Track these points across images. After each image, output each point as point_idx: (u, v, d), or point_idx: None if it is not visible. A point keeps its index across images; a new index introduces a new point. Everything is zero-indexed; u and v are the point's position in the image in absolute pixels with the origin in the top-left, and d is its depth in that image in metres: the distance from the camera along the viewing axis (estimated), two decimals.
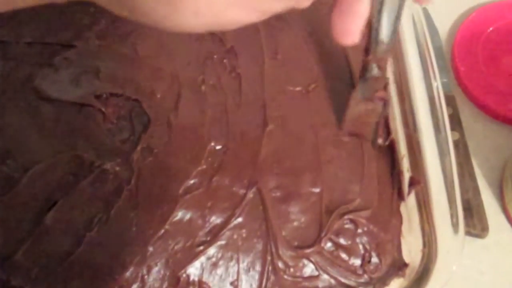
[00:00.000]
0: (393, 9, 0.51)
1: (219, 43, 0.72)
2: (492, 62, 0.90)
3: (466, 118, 0.86)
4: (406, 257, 0.65)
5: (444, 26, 0.97)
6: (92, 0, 0.38)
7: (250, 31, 0.75)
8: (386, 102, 0.65)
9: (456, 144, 0.81)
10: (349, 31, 0.45)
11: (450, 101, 0.86)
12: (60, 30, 0.76)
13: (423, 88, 0.69)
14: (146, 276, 0.59)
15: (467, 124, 0.85)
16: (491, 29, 0.93)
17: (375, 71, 0.62)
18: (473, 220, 0.75)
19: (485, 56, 0.90)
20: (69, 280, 0.60)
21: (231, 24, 0.37)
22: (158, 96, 0.69)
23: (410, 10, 0.74)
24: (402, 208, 0.67)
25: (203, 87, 0.70)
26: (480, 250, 0.76)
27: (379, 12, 0.51)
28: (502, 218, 0.78)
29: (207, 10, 0.36)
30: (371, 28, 0.55)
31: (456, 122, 0.84)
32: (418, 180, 0.65)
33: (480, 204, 0.77)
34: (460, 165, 0.79)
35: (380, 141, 0.69)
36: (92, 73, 0.71)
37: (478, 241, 0.76)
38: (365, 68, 0.63)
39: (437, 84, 0.69)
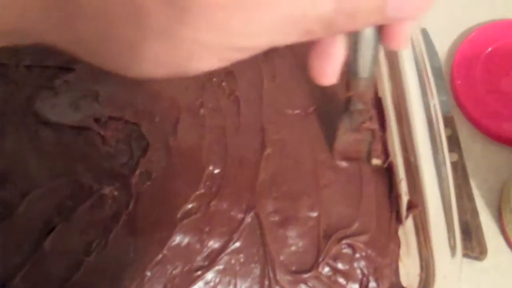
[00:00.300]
0: (369, 46, 0.51)
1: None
2: (491, 83, 0.90)
3: (464, 139, 0.86)
4: (404, 281, 0.64)
5: (443, 46, 0.97)
6: (52, 43, 0.38)
7: None
8: (374, 132, 0.66)
9: (455, 165, 0.81)
10: (326, 73, 0.46)
11: (449, 122, 0.86)
12: (59, 53, 0.76)
13: (421, 110, 0.69)
14: None
15: (466, 145, 0.85)
16: (490, 49, 0.93)
17: (358, 105, 0.63)
18: (472, 243, 0.75)
19: (484, 76, 0.91)
20: None
21: (193, 72, 0.37)
22: (157, 119, 0.69)
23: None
24: (400, 232, 0.67)
25: (201, 111, 0.70)
26: (478, 273, 0.76)
27: (355, 51, 0.52)
28: (500, 240, 0.78)
29: (167, 59, 0.36)
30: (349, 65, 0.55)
31: (454, 143, 0.84)
32: (416, 204, 0.65)
33: (478, 226, 0.77)
34: (458, 186, 0.79)
35: (375, 162, 0.69)
36: (92, 96, 0.71)
37: (477, 263, 0.76)
38: (348, 103, 0.64)
39: (435, 105, 0.69)
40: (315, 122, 0.71)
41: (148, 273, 0.60)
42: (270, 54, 0.75)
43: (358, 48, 0.51)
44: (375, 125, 0.67)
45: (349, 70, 0.55)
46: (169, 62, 0.36)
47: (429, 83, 0.70)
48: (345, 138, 0.66)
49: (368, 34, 0.49)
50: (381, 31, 0.46)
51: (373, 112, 0.66)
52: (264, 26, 0.34)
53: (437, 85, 0.85)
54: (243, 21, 0.34)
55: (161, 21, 0.34)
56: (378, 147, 0.69)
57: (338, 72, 0.46)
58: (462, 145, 0.84)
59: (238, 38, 0.35)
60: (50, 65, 0.75)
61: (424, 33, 0.96)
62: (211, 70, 0.38)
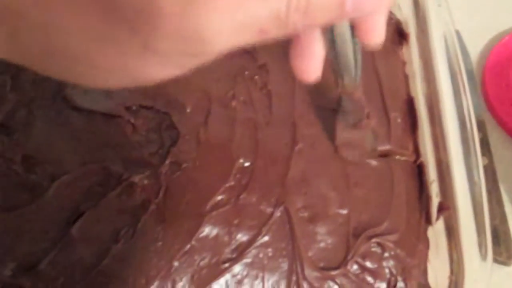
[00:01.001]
0: (346, 43, 0.50)
1: (251, 60, 0.72)
2: None
3: (494, 144, 0.86)
4: (432, 283, 0.64)
5: (475, 49, 0.96)
6: (9, 59, 0.37)
7: (283, 48, 0.75)
8: (374, 129, 0.66)
9: (485, 169, 0.80)
10: (308, 71, 0.45)
11: (480, 125, 0.85)
12: None
13: (454, 111, 0.69)
14: None
15: (496, 149, 0.85)
16: None
17: (348, 103, 0.63)
18: (500, 248, 0.75)
19: None
20: None
21: (149, 80, 0.37)
22: (188, 110, 0.69)
23: (442, 32, 0.73)
24: (430, 233, 0.67)
25: (233, 103, 0.70)
26: (505, 278, 0.76)
27: (333, 49, 0.51)
28: None
29: (120, 68, 0.35)
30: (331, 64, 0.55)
31: (485, 147, 0.83)
32: (448, 206, 0.65)
33: (507, 231, 0.76)
34: (488, 191, 0.78)
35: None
36: None
37: (504, 268, 0.76)
38: (339, 100, 0.64)
39: (469, 107, 0.68)
40: None
41: (175, 263, 0.60)
42: None
43: (336, 46, 0.51)
44: (372, 123, 0.66)
45: (333, 69, 0.55)
46: (122, 71, 0.35)
47: (463, 84, 0.70)
48: (345, 135, 0.66)
49: (342, 30, 0.49)
50: (353, 27, 0.46)
51: (369, 110, 0.65)
52: (218, 30, 0.33)
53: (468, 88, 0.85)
54: (196, 27, 0.32)
55: (107, 30, 0.33)
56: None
57: (320, 69, 0.45)
58: (493, 150, 0.84)
59: (192, 44, 0.34)
60: None
61: (457, 34, 0.95)
62: (168, 78, 0.37)
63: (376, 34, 0.43)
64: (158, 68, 0.36)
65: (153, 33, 0.32)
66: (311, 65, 0.45)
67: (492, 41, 0.97)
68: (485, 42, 0.97)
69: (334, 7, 0.35)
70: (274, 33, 0.35)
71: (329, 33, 0.49)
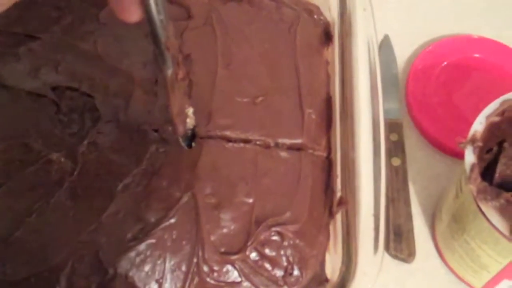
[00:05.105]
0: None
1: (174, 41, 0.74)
2: (443, 95, 0.92)
3: (411, 146, 0.89)
4: (329, 273, 0.67)
5: (403, 54, 1.00)
6: None
7: (208, 40, 0.78)
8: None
9: (396, 169, 0.84)
10: (126, 9, 0.47)
11: (397, 127, 0.89)
12: (27, 20, 0.78)
13: (367, 112, 0.70)
14: (76, 265, 0.62)
15: (411, 151, 0.88)
16: (445, 63, 0.96)
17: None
18: (402, 245, 0.78)
19: (437, 88, 0.93)
20: (4, 262, 0.62)
21: None
22: (111, 93, 0.72)
23: (365, 35, 0.76)
24: (332, 226, 0.69)
25: (155, 89, 0.72)
26: (405, 275, 0.78)
27: None
28: (431, 246, 0.80)
29: None
30: None
31: (399, 148, 0.86)
32: (346, 201, 0.67)
33: (410, 230, 0.79)
34: (397, 190, 0.82)
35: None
36: (52, 65, 0.74)
37: (405, 265, 0.79)
38: None
39: (380, 109, 0.70)
40: (263, 111, 0.73)
41: (83, 238, 0.63)
42: (229, 44, 0.78)
43: None
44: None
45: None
46: None
47: (377, 87, 0.72)
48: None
49: None
50: None
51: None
52: None
53: (390, 91, 0.89)
54: None
55: None
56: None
57: (138, 8, 0.47)
58: (408, 151, 0.87)
59: None
60: (17, 32, 0.78)
61: (386, 38, 0.99)
62: None
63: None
64: None
65: None
66: (129, 3, 0.47)
67: (420, 48, 1.00)
68: (414, 48, 1.01)
69: None
70: None
71: None
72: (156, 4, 0.49)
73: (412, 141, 0.90)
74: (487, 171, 0.67)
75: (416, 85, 0.93)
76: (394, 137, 0.87)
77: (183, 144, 0.68)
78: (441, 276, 0.79)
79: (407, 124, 0.92)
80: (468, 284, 0.76)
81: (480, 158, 0.66)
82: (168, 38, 0.54)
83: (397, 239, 0.78)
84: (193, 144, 0.69)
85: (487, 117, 0.67)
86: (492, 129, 0.67)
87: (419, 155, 0.89)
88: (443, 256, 0.78)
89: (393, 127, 0.88)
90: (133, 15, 0.47)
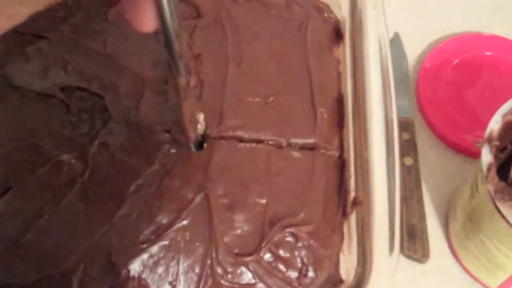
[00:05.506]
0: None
1: (187, 49, 0.74)
2: (454, 93, 0.92)
3: (422, 145, 0.88)
4: (344, 274, 0.66)
5: (414, 52, 0.99)
6: None
7: (218, 39, 0.77)
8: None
9: (409, 169, 0.83)
10: (141, 20, 0.46)
11: (409, 126, 0.88)
12: (35, 20, 0.77)
13: (380, 111, 0.69)
14: (88, 267, 0.61)
15: (423, 150, 0.88)
16: (456, 61, 0.95)
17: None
18: (415, 245, 0.78)
19: (448, 86, 0.93)
20: (15, 264, 0.61)
21: None
22: (121, 93, 0.71)
23: (376, 34, 0.75)
24: (346, 227, 0.68)
25: (165, 88, 0.72)
26: (419, 275, 0.78)
27: None
28: (444, 245, 0.80)
29: None
30: None
31: (411, 147, 0.86)
32: (361, 201, 0.66)
33: (424, 230, 0.79)
34: (410, 190, 0.81)
35: None
36: (61, 65, 0.73)
37: (419, 266, 0.78)
38: None
39: (392, 107, 0.70)
40: (274, 111, 0.73)
41: (95, 240, 0.62)
42: (240, 42, 0.77)
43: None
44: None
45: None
46: None
47: (389, 85, 0.71)
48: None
49: None
50: None
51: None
52: None
53: (401, 89, 0.88)
54: None
55: None
56: None
57: (153, 19, 0.47)
58: (420, 150, 0.86)
59: None
60: (25, 32, 0.77)
61: (396, 36, 0.98)
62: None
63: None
64: None
65: None
66: (143, 14, 0.46)
67: (431, 46, 0.99)
68: (425, 46, 1.00)
69: None
70: None
71: None
72: (171, 13, 0.48)
73: (423, 139, 0.90)
74: (500, 170, 0.66)
75: (427, 83, 0.93)
76: (406, 136, 0.86)
77: (194, 149, 0.68)
78: (455, 276, 0.78)
79: (418, 122, 0.91)
80: (482, 284, 0.76)
81: (495, 157, 0.65)
82: (181, 47, 0.53)
83: (411, 239, 0.78)
84: (204, 145, 0.68)
85: (503, 116, 0.66)
86: (507, 127, 0.66)
87: (430, 154, 0.89)
88: (457, 256, 0.78)
89: (404, 125, 0.87)
90: (149, 23, 0.47)
